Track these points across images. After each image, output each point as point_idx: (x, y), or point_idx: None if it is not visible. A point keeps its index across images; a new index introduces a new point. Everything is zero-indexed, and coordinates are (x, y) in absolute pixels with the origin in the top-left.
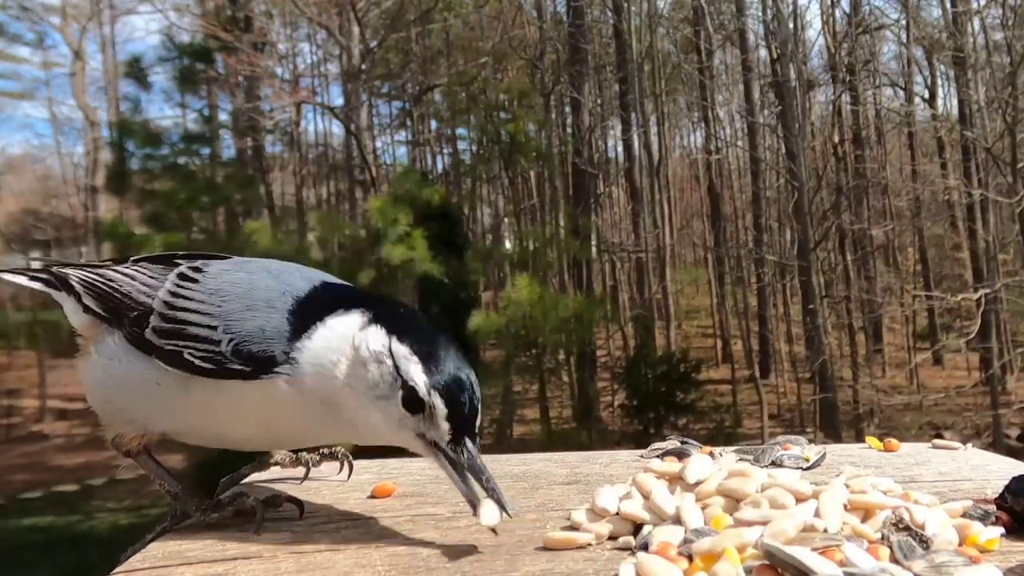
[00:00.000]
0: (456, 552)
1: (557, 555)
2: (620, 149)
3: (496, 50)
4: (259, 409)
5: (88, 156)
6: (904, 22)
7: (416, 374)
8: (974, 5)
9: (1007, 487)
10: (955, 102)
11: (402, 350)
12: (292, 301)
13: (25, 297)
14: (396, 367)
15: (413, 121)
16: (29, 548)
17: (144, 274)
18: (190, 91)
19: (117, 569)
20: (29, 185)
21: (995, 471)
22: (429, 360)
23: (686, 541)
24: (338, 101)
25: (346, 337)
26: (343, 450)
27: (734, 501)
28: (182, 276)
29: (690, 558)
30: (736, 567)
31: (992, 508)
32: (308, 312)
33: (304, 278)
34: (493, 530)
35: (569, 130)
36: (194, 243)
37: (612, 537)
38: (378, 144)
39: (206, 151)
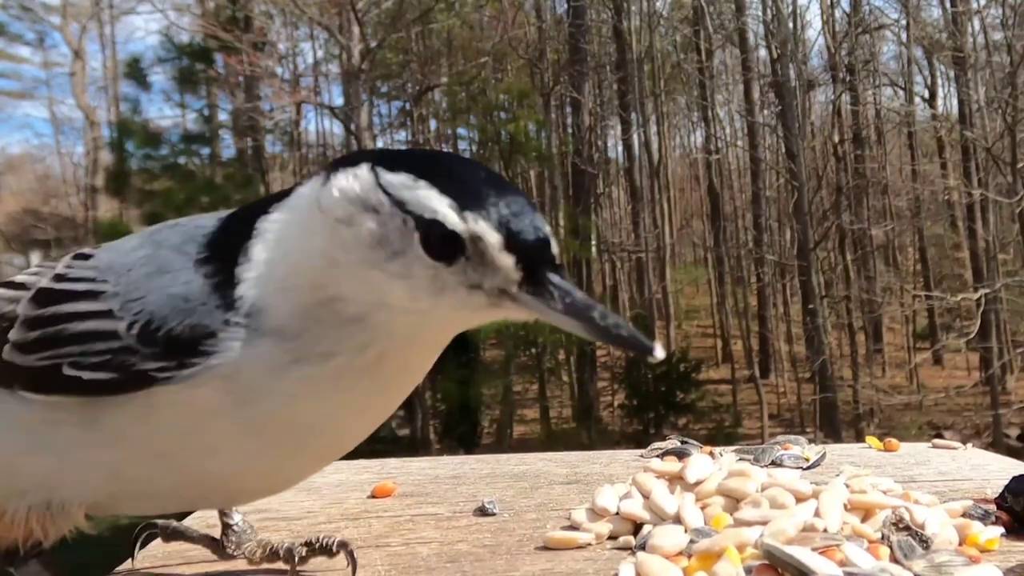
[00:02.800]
0: (456, 552)
1: (557, 555)
2: (620, 149)
3: (496, 50)
4: (235, 418)
5: (88, 156)
6: (904, 22)
7: (433, 199)
8: (974, 5)
9: (1007, 487)
10: (955, 102)
11: (398, 178)
12: (205, 236)
13: None
14: (399, 203)
15: (413, 121)
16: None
17: (16, 280)
18: (190, 91)
19: (118, 568)
20: (29, 185)
21: (995, 471)
22: (445, 177)
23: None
24: (338, 101)
25: (303, 209)
26: (341, 539)
27: (734, 501)
28: (75, 257)
29: (690, 558)
30: (736, 567)
31: (992, 508)
32: (232, 235)
33: (218, 217)
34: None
35: (569, 130)
36: None
37: (612, 537)
38: (378, 144)
39: (206, 151)
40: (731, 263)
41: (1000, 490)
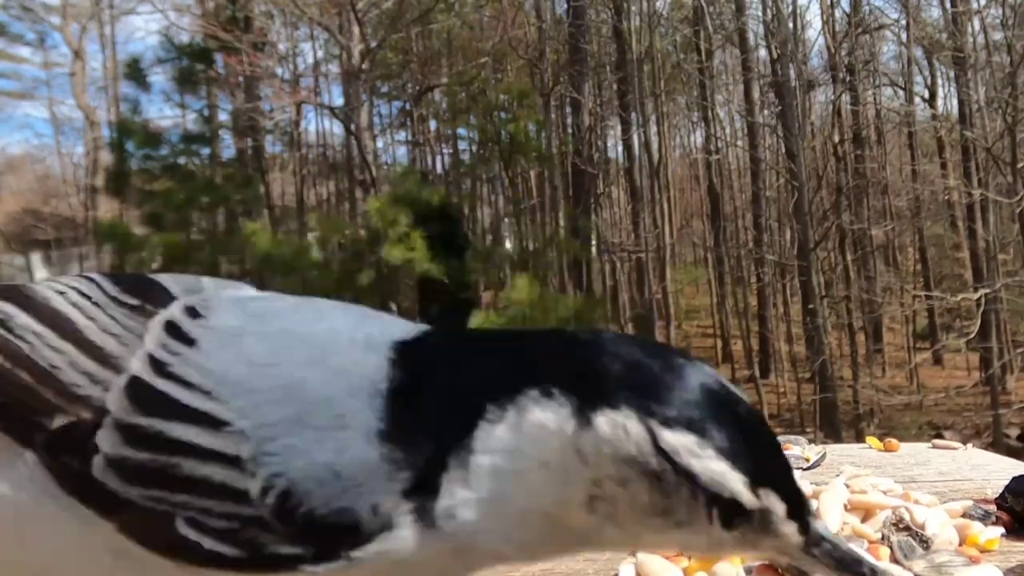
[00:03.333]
0: None
1: None
2: (620, 149)
3: (496, 50)
4: None
5: (88, 156)
6: (904, 22)
7: (728, 475)
8: (974, 5)
9: (1007, 487)
10: (955, 102)
11: (681, 440)
12: (382, 388)
13: None
14: (686, 474)
15: (413, 121)
16: None
17: (98, 319)
18: (190, 91)
19: None
20: (29, 185)
21: (995, 471)
22: (730, 439)
23: None
24: (338, 101)
25: (550, 448)
26: None
27: None
28: (172, 330)
29: (690, 558)
30: (736, 567)
31: (992, 508)
32: (426, 413)
33: (382, 330)
34: None
35: (569, 130)
36: (194, 244)
37: None
38: (378, 144)
39: (206, 151)
40: (731, 263)
41: (1000, 490)
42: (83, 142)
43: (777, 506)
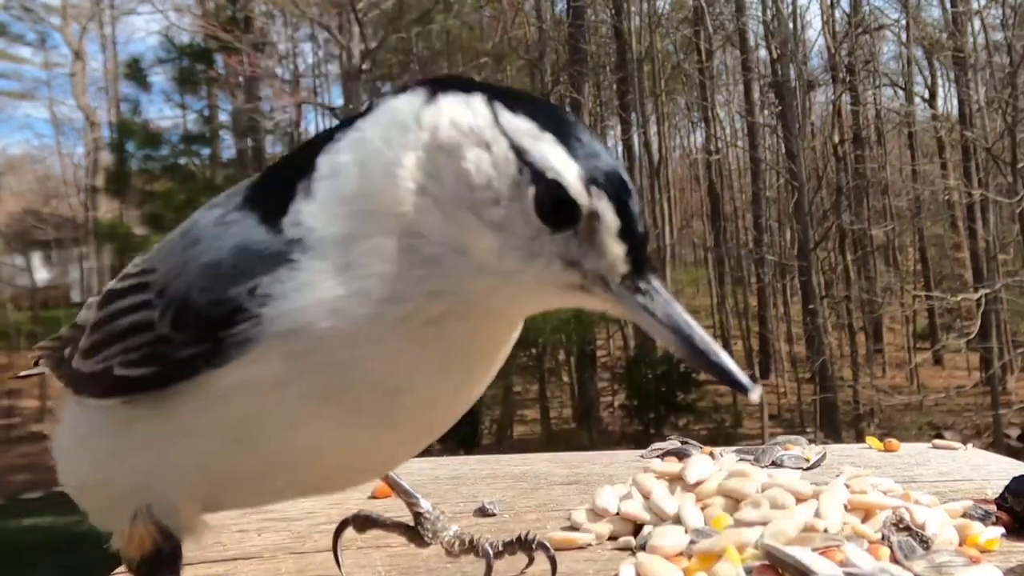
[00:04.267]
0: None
1: (558, 555)
2: (620, 149)
3: (496, 50)
4: (301, 382)
5: (88, 156)
6: (904, 22)
7: (558, 158)
8: (974, 5)
9: (1007, 487)
10: (955, 102)
11: (521, 123)
12: (245, 189)
13: (25, 297)
14: (517, 149)
15: None
16: (29, 548)
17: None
18: (190, 91)
19: (119, 568)
20: (29, 185)
21: (995, 471)
22: (572, 138)
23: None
24: (338, 101)
25: (396, 122)
26: (541, 539)
27: (734, 501)
28: (145, 252)
29: (690, 557)
30: (736, 567)
31: (992, 508)
32: (281, 177)
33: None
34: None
35: None
36: None
37: (612, 537)
38: None
39: (206, 152)
40: (731, 263)
41: (1000, 490)
42: (83, 142)
43: (608, 215)
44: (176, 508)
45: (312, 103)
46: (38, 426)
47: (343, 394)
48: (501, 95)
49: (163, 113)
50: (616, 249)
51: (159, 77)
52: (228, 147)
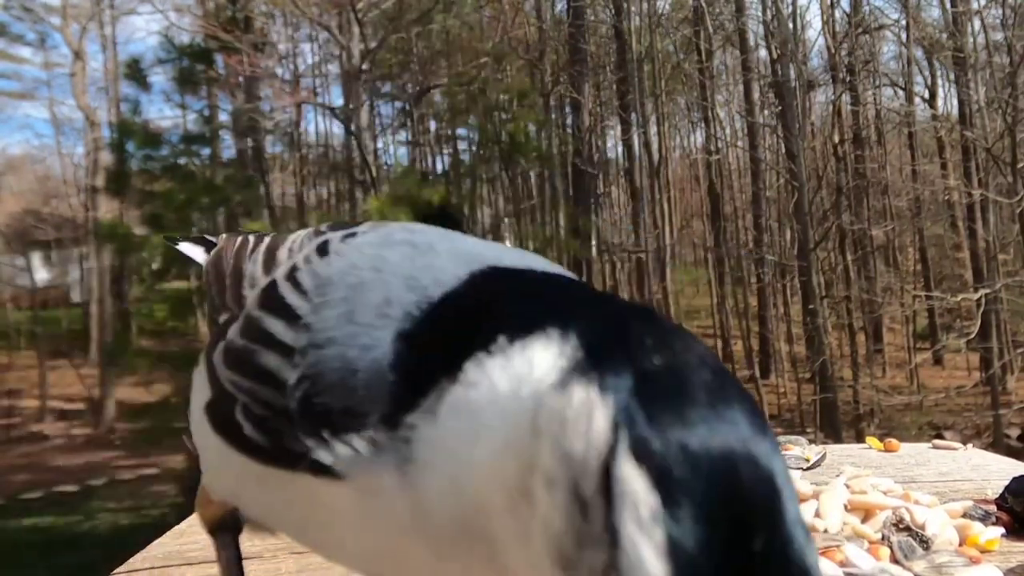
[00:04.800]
0: None
1: None
2: (620, 149)
3: (496, 50)
4: (352, 527)
5: (88, 157)
6: (904, 22)
7: (650, 561)
8: (974, 5)
9: (1007, 487)
10: (955, 102)
11: (639, 488)
12: (421, 304)
13: (25, 297)
14: (614, 535)
15: (413, 121)
16: (29, 548)
17: (292, 245)
18: (190, 91)
19: (118, 568)
20: (29, 185)
21: (995, 471)
22: (700, 536)
23: None
24: (338, 101)
25: (514, 407)
26: None
27: None
28: (321, 246)
29: None
30: None
31: (992, 508)
32: (443, 338)
33: (471, 260)
34: None
35: (569, 130)
36: None
37: None
38: (378, 144)
39: (206, 152)
40: (731, 263)
41: (1000, 490)
42: (83, 142)
43: None
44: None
45: (312, 103)
46: (38, 426)
47: (364, 552)
48: (647, 415)
49: (163, 113)
50: None
51: (159, 77)
52: (228, 147)
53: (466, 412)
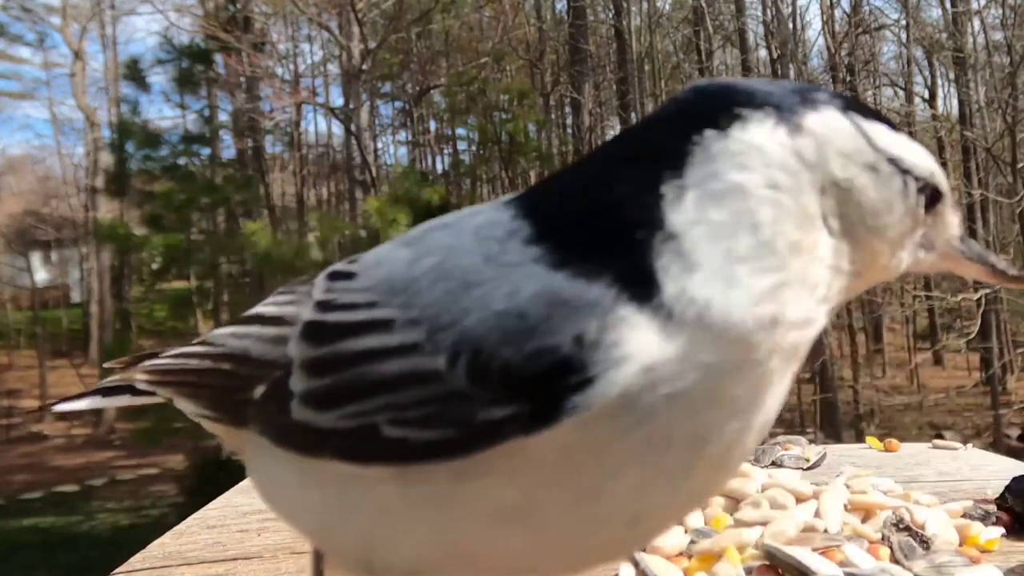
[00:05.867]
0: None
1: None
2: None
3: (496, 50)
4: (613, 459)
5: (88, 157)
6: (904, 22)
7: (918, 155)
8: (974, 5)
9: (1007, 487)
10: (955, 102)
11: (881, 132)
12: (524, 227)
13: (25, 297)
14: (892, 160)
15: (413, 121)
16: (29, 548)
17: (263, 314)
18: (190, 92)
19: (118, 568)
20: (29, 186)
21: (995, 471)
22: (895, 126)
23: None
24: (338, 101)
25: (783, 167)
26: None
27: (734, 501)
28: (333, 275)
29: (690, 557)
30: (736, 567)
31: (992, 508)
32: (581, 216)
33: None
34: None
35: (569, 130)
36: (194, 244)
37: None
38: (378, 144)
39: (206, 152)
40: None
41: (1000, 490)
42: (83, 143)
43: (949, 193)
44: (388, 570)
45: (312, 103)
46: (38, 426)
47: (658, 453)
48: (840, 103)
49: (163, 113)
50: (955, 218)
51: (159, 77)
52: (228, 147)
53: (711, 227)
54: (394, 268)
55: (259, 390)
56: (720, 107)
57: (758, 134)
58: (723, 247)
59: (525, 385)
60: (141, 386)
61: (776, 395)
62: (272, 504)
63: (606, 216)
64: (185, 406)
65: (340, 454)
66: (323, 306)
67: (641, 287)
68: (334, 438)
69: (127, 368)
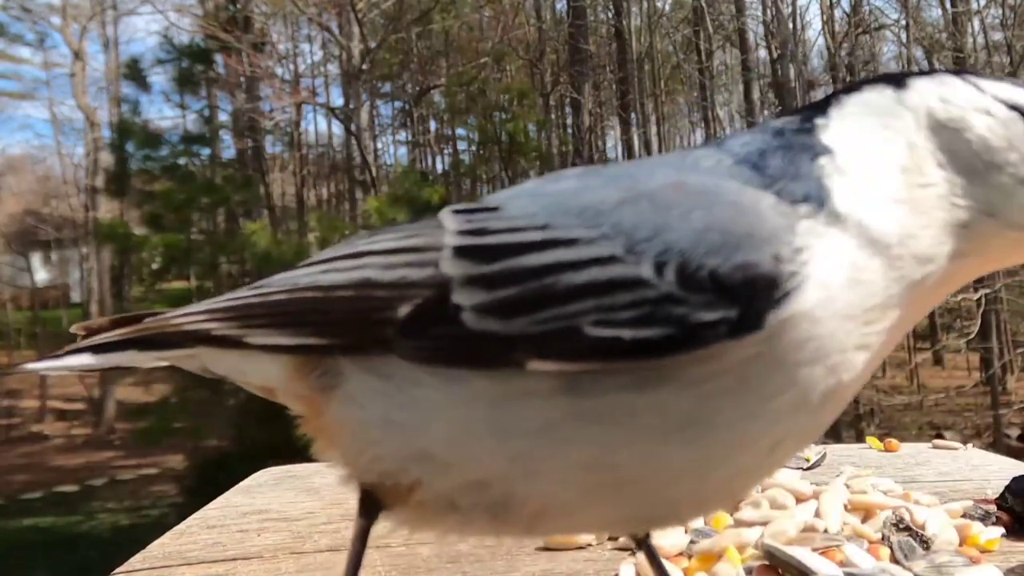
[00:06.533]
0: (456, 553)
1: (557, 555)
2: (620, 149)
3: (496, 50)
4: (813, 365)
5: (88, 157)
6: (904, 22)
7: None
8: (974, 5)
9: (1007, 487)
10: None
11: (999, 85)
12: (737, 158)
13: (25, 297)
14: (1014, 106)
15: (413, 121)
16: (29, 548)
17: (368, 247)
18: (190, 92)
19: (118, 568)
20: (29, 186)
21: (995, 471)
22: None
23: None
24: (338, 101)
25: (889, 113)
26: None
27: None
28: (466, 211)
29: (690, 557)
30: (736, 567)
31: (992, 508)
32: (778, 148)
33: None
34: None
35: (569, 130)
36: (194, 244)
37: (612, 537)
38: (378, 144)
39: (206, 152)
40: None
41: (1000, 490)
42: (83, 143)
43: None
44: (520, 514)
45: (312, 103)
46: (38, 426)
47: (812, 376)
48: (957, 72)
49: (163, 113)
50: None
51: (159, 77)
52: (228, 147)
53: (860, 154)
54: (558, 198)
55: (403, 310)
56: (849, 87)
57: (869, 95)
58: (862, 166)
59: (734, 292)
60: (203, 323)
61: (881, 351)
62: (390, 437)
63: (780, 149)
64: (268, 339)
65: (536, 354)
66: (473, 233)
67: (819, 204)
68: (524, 342)
69: (109, 329)
